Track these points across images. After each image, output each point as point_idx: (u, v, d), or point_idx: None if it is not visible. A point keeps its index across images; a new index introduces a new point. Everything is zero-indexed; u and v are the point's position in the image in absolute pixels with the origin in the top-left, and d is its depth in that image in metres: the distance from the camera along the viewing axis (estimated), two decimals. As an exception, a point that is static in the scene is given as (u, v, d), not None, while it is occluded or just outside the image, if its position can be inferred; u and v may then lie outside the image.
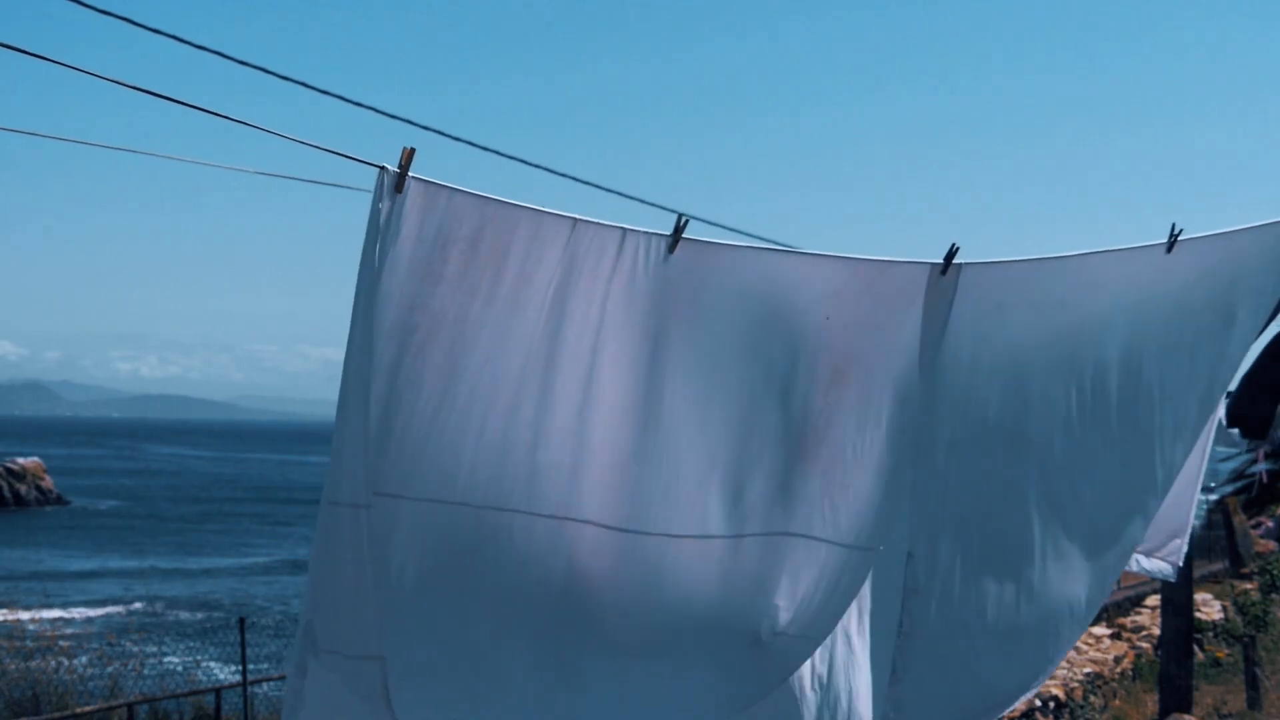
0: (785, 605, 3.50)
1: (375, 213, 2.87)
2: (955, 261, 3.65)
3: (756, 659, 3.52)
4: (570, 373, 3.14)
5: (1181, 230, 4.13)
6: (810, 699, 3.95)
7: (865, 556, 3.64)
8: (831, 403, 3.49)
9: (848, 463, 3.54)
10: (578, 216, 3.09)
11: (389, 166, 2.86)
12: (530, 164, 4.70)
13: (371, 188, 2.90)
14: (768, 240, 3.97)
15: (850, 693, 3.99)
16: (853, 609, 3.92)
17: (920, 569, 4.00)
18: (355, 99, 4.28)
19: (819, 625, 3.62)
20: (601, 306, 3.14)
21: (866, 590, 3.93)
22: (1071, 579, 4.41)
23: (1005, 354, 3.93)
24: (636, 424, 3.21)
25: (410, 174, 2.86)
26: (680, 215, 3.22)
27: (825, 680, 3.95)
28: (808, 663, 3.81)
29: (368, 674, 3.08)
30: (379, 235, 2.87)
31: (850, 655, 3.99)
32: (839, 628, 3.91)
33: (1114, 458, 4.30)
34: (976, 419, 3.96)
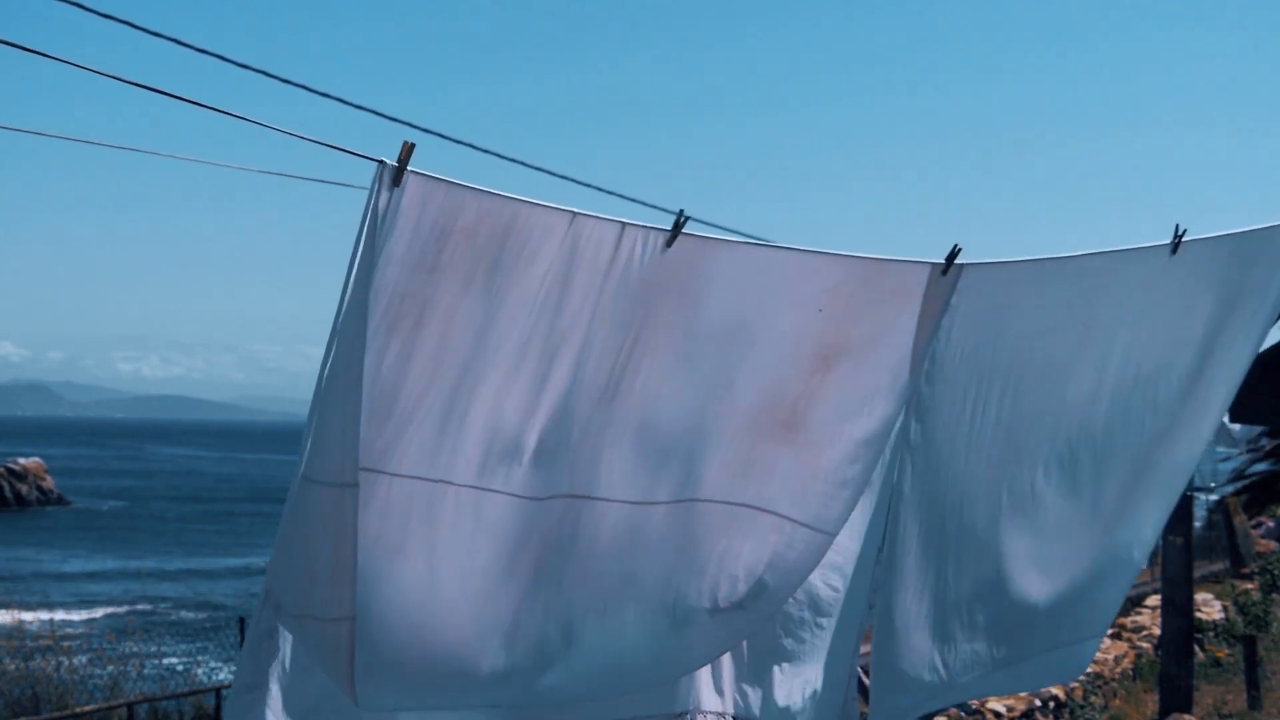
0: (745, 577, 3.56)
1: (371, 205, 2.89)
2: (957, 262, 3.65)
3: (705, 626, 3.58)
4: (563, 361, 3.18)
5: (1185, 231, 4.11)
6: (749, 675, 4.04)
7: (826, 540, 3.69)
8: (814, 387, 3.52)
9: (823, 448, 3.57)
10: (576, 210, 3.11)
11: (388, 160, 2.87)
12: (529, 166, 4.71)
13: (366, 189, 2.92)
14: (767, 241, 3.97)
15: (802, 675, 4.07)
16: (818, 597, 3.99)
17: (897, 566, 4.02)
18: (354, 100, 4.29)
19: (772, 602, 3.68)
20: (597, 297, 3.17)
21: (836, 579, 4.00)
22: (1066, 589, 4.39)
23: (1006, 355, 3.92)
24: (609, 400, 3.27)
25: (409, 168, 2.87)
26: (680, 211, 3.23)
27: (766, 659, 4.03)
28: (749, 640, 3.89)
29: (334, 635, 3.14)
30: (374, 227, 2.90)
31: (813, 641, 4.06)
32: (804, 616, 4.00)
33: (1116, 462, 4.28)
34: (974, 421, 3.95)
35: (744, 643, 3.97)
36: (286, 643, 3.43)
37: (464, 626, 3.25)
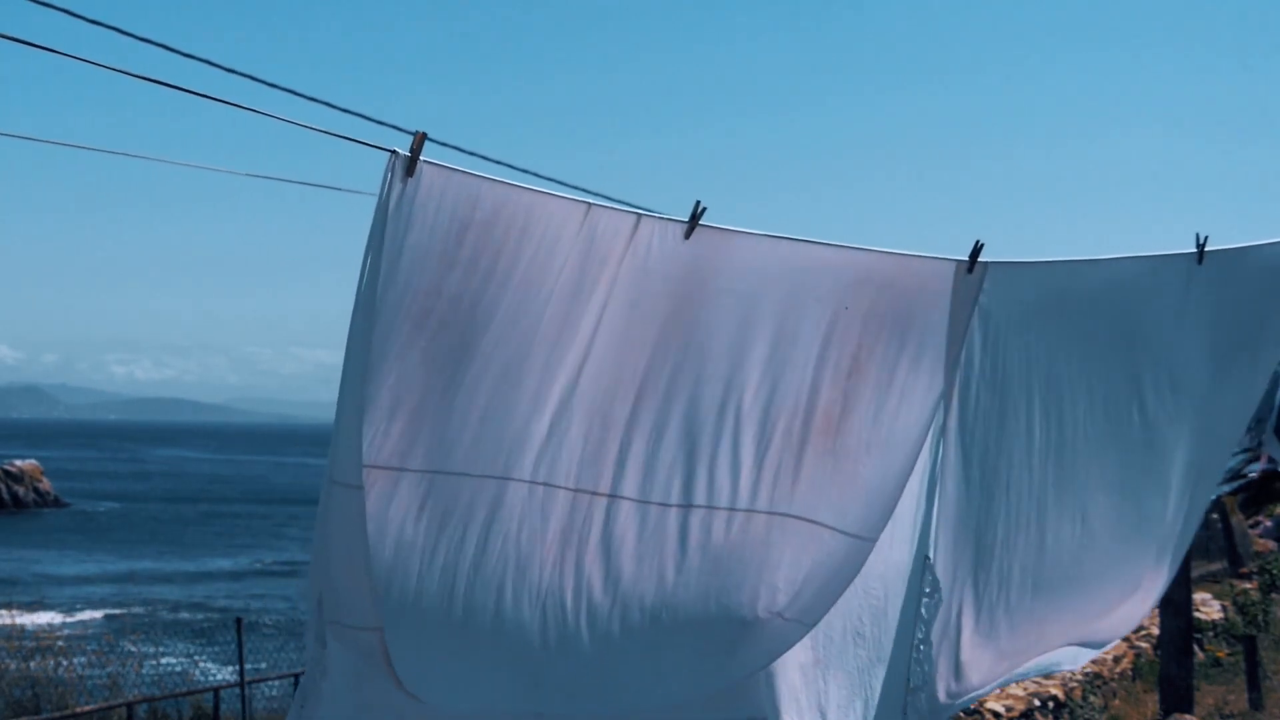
0: (784, 587, 3.48)
1: (385, 197, 2.86)
2: (981, 260, 3.61)
3: (746, 636, 3.51)
4: (576, 349, 3.15)
5: (1208, 238, 4.07)
6: (798, 686, 3.94)
7: (866, 547, 3.62)
8: (847, 392, 3.47)
9: (859, 454, 3.51)
10: (592, 201, 3.10)
11: (400, 150, 2.84)
12: (528, 173, 4.69)
13: (368, 193, 2.91)
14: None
15: (850, 688, 3.98)
16: (864, 606, 3.90)
17: (940, 576, 3.96)
18: (352, 106, 4.26)
19: (814, 611, 3.60)
20: (610, 286, 3.14)
21: (881, 590, 3.91)
22: (1092, 593, 4.36)
23: (1041, 356, 3.87)
24: (634, 397, 3.23)
25: (422, 158, 2.85)
26: (698, 202, 3.20)
27: (814, 670, 3.94)
28: (797, 650, 3.79)
29: (367, 642, 3.15)
30: (389, 220, 2.86)
31: (857, 653, 3.96)
32: (848, 625, 3.90)
33: (1140, 468, 4.24)
34: (1000, 422, 3.89)
35: (792, 652, 3.82)
36: (335, 649, 3.36)
37: (487, 627, 3.21)
